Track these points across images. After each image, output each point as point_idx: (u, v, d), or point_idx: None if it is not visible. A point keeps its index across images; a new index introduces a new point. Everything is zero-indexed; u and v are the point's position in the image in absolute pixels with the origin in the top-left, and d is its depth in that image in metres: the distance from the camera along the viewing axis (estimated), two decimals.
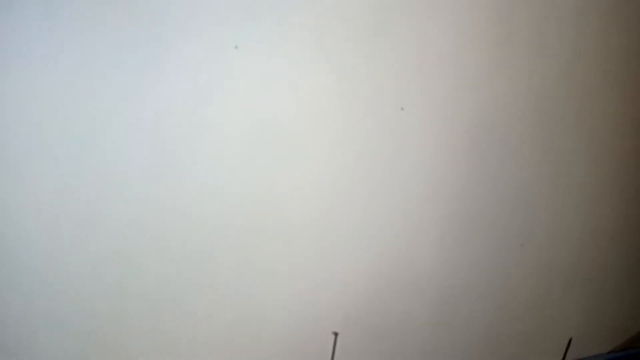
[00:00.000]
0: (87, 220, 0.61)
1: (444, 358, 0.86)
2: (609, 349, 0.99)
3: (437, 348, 0.85)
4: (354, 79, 0.70)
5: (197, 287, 0.68)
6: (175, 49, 0.61)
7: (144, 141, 0.62)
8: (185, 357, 0.70)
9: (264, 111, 0.67)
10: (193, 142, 0.64)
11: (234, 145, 0.66)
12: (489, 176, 0.81)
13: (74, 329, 0.63)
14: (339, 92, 0.70)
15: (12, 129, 0.57)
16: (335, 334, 0.76)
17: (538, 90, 0.82)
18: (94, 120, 0.60)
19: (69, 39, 0.57)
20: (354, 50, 0.69)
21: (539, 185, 0.86)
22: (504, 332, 0.89)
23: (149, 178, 0.63)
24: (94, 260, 0.62)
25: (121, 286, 0.64)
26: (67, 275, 0.62)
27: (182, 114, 0.63)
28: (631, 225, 0.95)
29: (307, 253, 0.73)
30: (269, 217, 0.70)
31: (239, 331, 0.71)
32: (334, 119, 0.71)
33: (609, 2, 0.84)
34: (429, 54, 0.73)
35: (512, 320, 0.89)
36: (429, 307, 0.83)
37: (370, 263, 0.78)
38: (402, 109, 0.73)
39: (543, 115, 0.83)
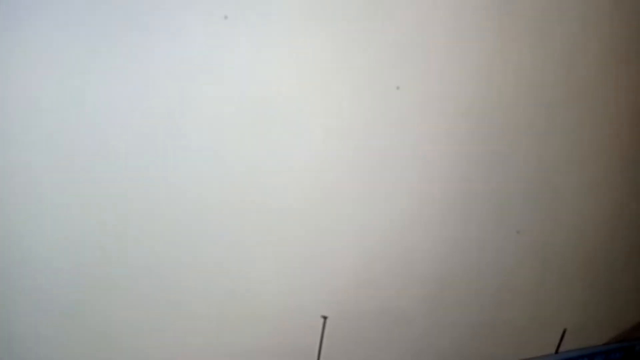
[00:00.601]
0: (69, 194, 0.60)
1: (436, 344, 0.84)
2: (604, 341, 0.98)
3: (429, 334, 0.83)
4: (349, 56, 0.68)
5: (182, 266, 0.66)
6: (159, 21, 0.59)
7: (125, 119, 0.60)
8: (170, 336, 0.68)
9: (254, 89, 0.65)
10: (177, 120, 0.62)
11: (221, 124, 0.65)
12: (486, 161, 0.80)
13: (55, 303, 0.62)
14: (333, 70, 0.68)
15: None
16: (325, 318, 0.75)
17: (539, 78, 0.80)
18: (74, 95, 0.58)
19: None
20: (350, 26, 0.67)
21: (537, 172, 0.84)
22: (498, 321, 0.88)
23: (130, 156, 0.61)
24: (76, 235, 0.61)
25: (104, 259, 0.63)
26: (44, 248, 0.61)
27: (166, 91, 0.61)
28: (629, 218, 0.94)
29: (297, 236, 0.71)
30: (258, 198, 0.68)
31: (225, 312, 0.70)
32: (327, 98, 0.69)
33: None
34: (428, 33, 0.71)
35: (506, 309, 0.88)
36: (422, 292, 0.81)
37: (363, 247, 0.76)
38: (397, 88, 0.71)
39: (544, 104, 0.81)
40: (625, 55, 0.86)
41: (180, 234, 0.65)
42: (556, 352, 0.94)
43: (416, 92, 0.73)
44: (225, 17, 0.61)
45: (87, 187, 0.60)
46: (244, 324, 0.72)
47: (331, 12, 0.66)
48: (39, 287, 0.61)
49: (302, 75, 0.67)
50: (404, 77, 0.71)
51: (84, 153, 0.59)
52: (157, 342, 0.68)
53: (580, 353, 0.96)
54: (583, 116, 0.85)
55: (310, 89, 0.68)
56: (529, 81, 0.79)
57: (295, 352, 0.75)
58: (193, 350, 0.70)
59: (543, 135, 0.83)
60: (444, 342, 0.85)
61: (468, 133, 0.77)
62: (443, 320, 0.83)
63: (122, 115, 0.60)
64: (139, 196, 0.63)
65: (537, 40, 0.78)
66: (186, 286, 0.67)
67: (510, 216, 0.83)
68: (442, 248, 0.81)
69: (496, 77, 0.77)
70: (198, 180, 0.65)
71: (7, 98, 0.56)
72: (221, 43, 0.62)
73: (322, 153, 0.70)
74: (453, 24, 0.73)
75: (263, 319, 0.72)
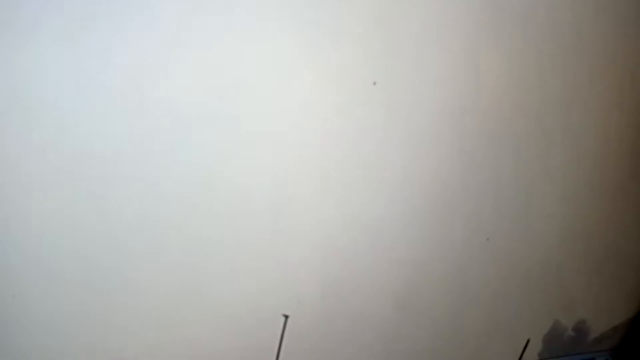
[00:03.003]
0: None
1: (400, 348, 0.83)
2: (566, 352, 0.98)
3: (394, 337, 0.82)
4: (322, 49, 0.66)
5: (139, 259, 0.64)
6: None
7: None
8: (128, 330, 0.66)
9: (221, 80, 0.62)
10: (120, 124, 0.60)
11: (182, 118, 0.62)
12: (460, 163, 0.78)
13: None
14: (304, 64, 0.66)
15: None
16: (286, 317, 0.73)
17: (522, 81, 0.79)
18: None
19: None
20: (324, 16, 0.65)
21: (512, 178, 0.83)
22: (462, 326, 0.87)
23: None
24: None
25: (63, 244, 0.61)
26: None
27: (112, 90, 0.59)
28: (600, 229, 0.94)
29: (260, 232, 0.69)
30: (220, 193, 0.66)
31: (183, 306, 0.67)
32: (298, 92, 0.66)
33: None
34: (408, 26, 0.69)
35: (472, 315, 0.87)
36: (389, 295, 0.79)
37: (330, 247, 0.74)
38: (374, 83, 0.69)
39: (524, 108, 0.80)
40: (611, 63, 0.85)
41: (134, 229, 0.63)
42: None
43: (393, 88, 0.70)
44: None
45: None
46: (202, 322, 0.69)
47: (304, 1, 0.64)
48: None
49: (272, 69, 0.64)
50: (381, 73, 0.69)
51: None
52: (110, 339, 0.66)
53: None
54: (563, 123, 0.84)
55: (281, 82, 0.65)
56: (510, 84, 0.78)
57: (255, 351, 0.73)
58: (148, 348, 0.67)
59: (521, 141, 0.81)
60: (408, 345, 0.83)
61: (444, 133, 0.76)
62: (408, 323, 0.82)
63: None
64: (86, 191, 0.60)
65: (523, 39, 0.77)
66: (141, 283, 0.65)
67: (480, 222, 0.82)
68: (410, 250, 0.79)
69: (477, 77, 0.75)
70: (155, 175, 0.62)
71: None
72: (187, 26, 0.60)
73: (290, 149, 0.68)
74: (435, 16, 0.71)
75: (222, 317, 0.70)
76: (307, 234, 0.72)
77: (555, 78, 0.81)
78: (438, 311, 0.84)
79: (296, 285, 0.73)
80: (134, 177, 0.62)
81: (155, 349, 0.67)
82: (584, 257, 0.93)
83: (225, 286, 0.69)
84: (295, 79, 0.66)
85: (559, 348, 0.96)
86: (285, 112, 0.67)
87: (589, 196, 0.90)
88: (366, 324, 0.79)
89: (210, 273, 0.68)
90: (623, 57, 0.85)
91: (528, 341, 0.93)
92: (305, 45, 0.65)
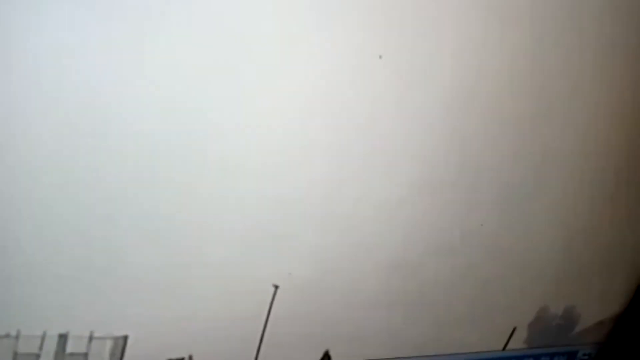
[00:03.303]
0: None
1: (389, 326, 0.83)
2: (552, 343, 0.99)
3: (385, 315, 0.83)
4: (327, 18, 0.64)
5: (123, 230, 0.63)
6: None
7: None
8: (111, 302, 0.66)
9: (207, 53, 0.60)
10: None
11: (178, 78, 0.60)
12: (462, 147, 0.77)
13: None
14: (305, 37, 0.64)
15: None
16: (276, 287, 0.73)
17: (533, 67, 0.78)
18: None
19: None
20: None
21: (513, 168, 0.82)
22: (451, 311, 0.88)
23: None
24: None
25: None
26: None
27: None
28: (597, 224, 0.94)
29: (254, 203, 0.68)
30: (218, 161, 0.65)
31: (175, 272, 0.67)
32: (299, 66, 0.65)
33: None
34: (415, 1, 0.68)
35: (461, 302, 0.88)
36: (379, 273, 0.80)
37: (322, 221, 0.74)
38: (380, 57, 0.67)
39: (527, 96, 0.79)
40: (613, 63, 0.85)
41: (120, 197, 0.62)
42: (503, 349, 0.94)
43: (400, 62, 0.69)
44: None
45: None
46: (193, 289, 0.69)
47: None
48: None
49: (272, 44, 0.63)
50: (387, 45, 0.67)
51: None
52: (101, 306, 0.66)
53: (526, 352, 0.96)
54: (570, 118, 0.83)
55: (281, 58, 0.64)
56: (522, 68, 0.77)
57: (244, 318, 0.73)
58: (140, 312, 0.67)
59: (523, 132, 0.81)
60: (394, 325, 0.84)
61: (451, 113, 0.75)
62: (396, 303, 0.82)
63: None
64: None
65: (537, 32, 0.76)
66: (133, 249, 0.65)
67: (475, 208, 0.82)
68: (402, 231, 0.79)
69: (484, 62, 0.74)
70: (151, 141, 0.61)
71: None
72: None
73: (290, 120, 0.67)
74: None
75: (213, 283, 0.70)
76: (302, 209, 0.72)
77: (569, 70, 0.80)
78: (427, 295, 0.85)
79: (288, 257, 0.73)
80: (130, 139, 0.61)
81: (140, 309, 0.67)
82: (576, 250, 0.94)
83: (217, 254, 0.69)
84: (297, 49, 0.64)
85: (545, 337, 0.97)
86: (286, 85, 0.65)
87: (585, 192, 0.91)
88: (355, 300, 0.79)
89: (201, 240, 0.67)
90: (625, 57, 0.84)
91: (514, 329, 0.93)
92: (307, 15, 0.63)
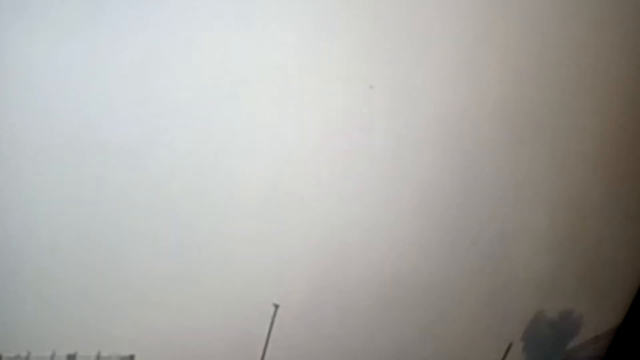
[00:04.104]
0: None
1: (388, 341, 0.85)
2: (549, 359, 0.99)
3: (383, 331, 0.84)
4: (317, 49, 0.65)
5: (135, 240, 0.66)
6: None
7: None
8: (121, 310, 0.68)
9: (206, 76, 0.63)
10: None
11: (181, 112, 0.63)
12: (453, 168, 0.80)
13: None
14: (298, 66, 0.65)
15: None
16: (276, 306, 0.75)
17: (524, 87, 0.79)
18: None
19: None
20: (317, 19, 0.64)
21: (506, 185, 0.84)
22: (446, 327, 0.89)
23: None
24: None
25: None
26: None
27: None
28: (591, 234, 0.94)
29: (253, 223, 0.71)
30: (218, 182, 0.67)
31: (175, 289, 0.69)
32: (291, 96, 0.67)
33: None
34: (407, 30, 0.69)
35: (456, 316, 0.89)
36: (376, 291, 0.81)
37: (321, 241, 0.76)
38: (371, 87, 0.70)
39: (524, 114, 0.81)
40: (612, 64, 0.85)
41: (131, 211, 0.64)
42: None
43: (391, 92, 0.71)
44: None
45: None
46: (193, 307, 0.71)
47: (299, 5, 0.63)
48: None
49: (265, 72, 0.64)
50: (378, 75, 0.69)
51: None
52: (102, 318, 0.68)
53: None
54: (562, 130, 0.84)
55: (275, 87, 0.65)
56: (513, 88, 0.78)
57: (243, 339, 0.75)
58: (139, 328, 0.70)
59: (517, 150, 0.82)
60: (392, 341, 0.85)
61: (442, 138, 0.76)
62: (393, 319, 0.84)
63: None
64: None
65: (527, 44, 0.76)
66: (136, 265, 0.67)
67: (468, 226, 0.84)
68: (399, 249, 0.81)
69: (479, 81, 0.75)
70: (153, 162, 0.64)
71: None
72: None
73: (286, 146, 0.69)
74: (435, 15, 0.69)
75: (213, 303, 0.72)
76: (300, 229, 0.74)
77: (552, 80, 0.81)
78: (423, 310, 0.86)
79: (287, 276, 0.75)
80: (133, 160, 0.63)
81: (145, 329, 0.70)
82: (571, 264, 0.94)
83: (217, 273, 0.71)
84: (286, 80, 0.66)
85: (541, 351, 0.97)
86: (282, 111, 0.67)
87: (581, 202, 0.91)
88: (352, 317, 0.81)
89: (203, 260, 0.70)
90: (623, 58, 0.85)
91: (510, 345, 0.94)
92: (298, 44, 0.65)
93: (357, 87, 0.68)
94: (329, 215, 0.75)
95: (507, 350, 0.94)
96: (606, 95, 0.85)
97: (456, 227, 0.83)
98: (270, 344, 0.76)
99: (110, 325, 0.68)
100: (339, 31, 0.65)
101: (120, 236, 0.65)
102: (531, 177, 0.85)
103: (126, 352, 0.69)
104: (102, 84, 0.59)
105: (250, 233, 0.71)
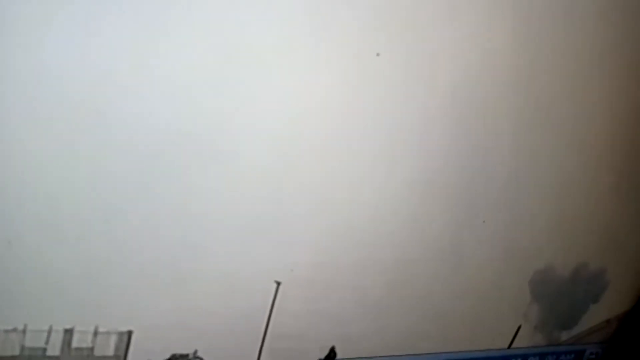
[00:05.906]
0: None
1: (392, 323, 0.84)
2: (559, 342, 0.98)
3: (387, 313, 0.83)
4: (323, 16, 0.64)
5: (137, 213, 0.64)
6: None
7: None
8: (123, 285, 0.67)
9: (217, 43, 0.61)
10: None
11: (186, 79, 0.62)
12: (465, 144, 0.78)
13: None
14: (306, 33, 0.64)
15: None
16: (278, 283, 0.74)
17: (532, 60, 0.77)
18: None
19: None
20: None
21: (516, 162, 0.82)
22: (455, 309, 0.88)
23: None
24: None
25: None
26: None
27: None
28: (603, 217, 0.94)
29: (258, 200, 0.69)
30: (223, 155, 0.66)
31: (179, 265, 0.68)
32: (297, 63, 0.65)
33: None
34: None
35: (465, 298, 0.88)
36: (380, 270, 0.80)
37: (325, 220, 0.74)
38: (378, 54, 0.68)
39: (530, 89, 0.79)
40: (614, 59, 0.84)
41: (133, 183, 0.63)
42: (509, 347, 0.94)
43: (399, 60, 0.69)
44: None
45: None
46: (196, 282, 0.70)
47: None
48: None
49: (271, 37, 0.63)
50: (385, 43, 0.67)
51: None
52: (103, 293, 0.66)
53: (532, 351, 0.96)
54: (573, 112, 0.83)
55: (280, 52, 0.64)
56: (523, 64, 0.76)
57: (246, 315, 0.74)
58: (141, 303, 0.68)
59: (525, 126, 0.81)
60: (397, 324, 0.84)
61: (451, 111, 0.75)
62: (398, 301, 0.82)
63: None
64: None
65: (540, 25, 0.75)
66: (138, 239, 0.66)
67: (478, 204, 0.82)
68: (405, 229, 0.79)
69: (490, 52, 0.74)
70: (156, 134, 0.62)
71: None
72: None
73: (290, 118, 0.68)
74: None
75: (216, 278, 0.71)
76: (305, 207, 0.72)
77: (571, 67, 0.80)
78: (431, 291, 0.85)
79: (290, 254, 0.74)
80: (133, 134, 0.62)
81: (144, 305, 0.68)
82: (580, 248, 0.93)
83: (221, 248, 0.69)
84: (293, 47, 0.65)
85: (553, 336, 0.96)
86: (285, 85, 0.66)
87: (589, 185, 0.90)
88: (356, 297, 0.80)
89: (207, 234, 0.68)
90: (625, 54, 0.84)
91: (519, 327, 0.93)
92: (306, 13, 0.64)
93: (363, 55, 0.67)
94: (334, 191, 0.73)
95: (517, 332, 0.93)
96: (617, 83, 0.84)
97: (464, 206, 0.81)
98: (271, 322, 0.75)
99: (108, 300, 0.67)
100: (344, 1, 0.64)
101: (119, 210, 0.64)
102: (544, 157, 0.83)
103: (124, 328, 0.68)
104: (103, 80, 0.58)
105: (252, 209, 0.70)
